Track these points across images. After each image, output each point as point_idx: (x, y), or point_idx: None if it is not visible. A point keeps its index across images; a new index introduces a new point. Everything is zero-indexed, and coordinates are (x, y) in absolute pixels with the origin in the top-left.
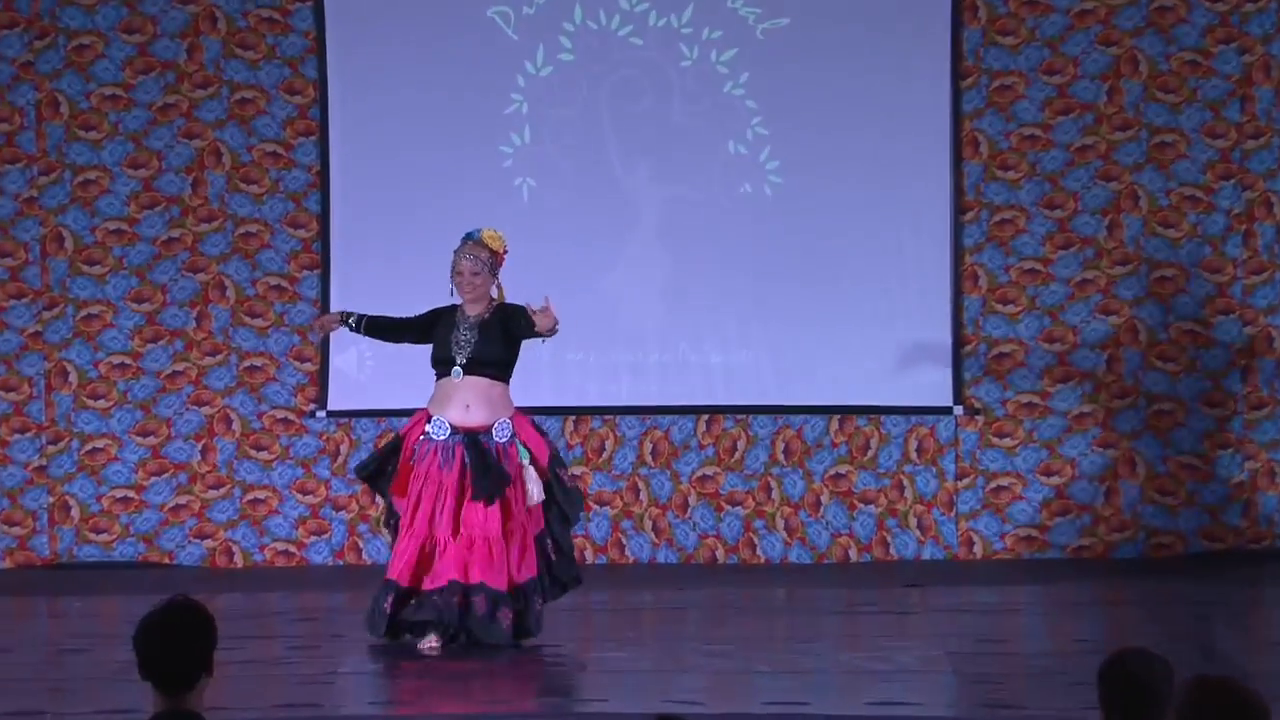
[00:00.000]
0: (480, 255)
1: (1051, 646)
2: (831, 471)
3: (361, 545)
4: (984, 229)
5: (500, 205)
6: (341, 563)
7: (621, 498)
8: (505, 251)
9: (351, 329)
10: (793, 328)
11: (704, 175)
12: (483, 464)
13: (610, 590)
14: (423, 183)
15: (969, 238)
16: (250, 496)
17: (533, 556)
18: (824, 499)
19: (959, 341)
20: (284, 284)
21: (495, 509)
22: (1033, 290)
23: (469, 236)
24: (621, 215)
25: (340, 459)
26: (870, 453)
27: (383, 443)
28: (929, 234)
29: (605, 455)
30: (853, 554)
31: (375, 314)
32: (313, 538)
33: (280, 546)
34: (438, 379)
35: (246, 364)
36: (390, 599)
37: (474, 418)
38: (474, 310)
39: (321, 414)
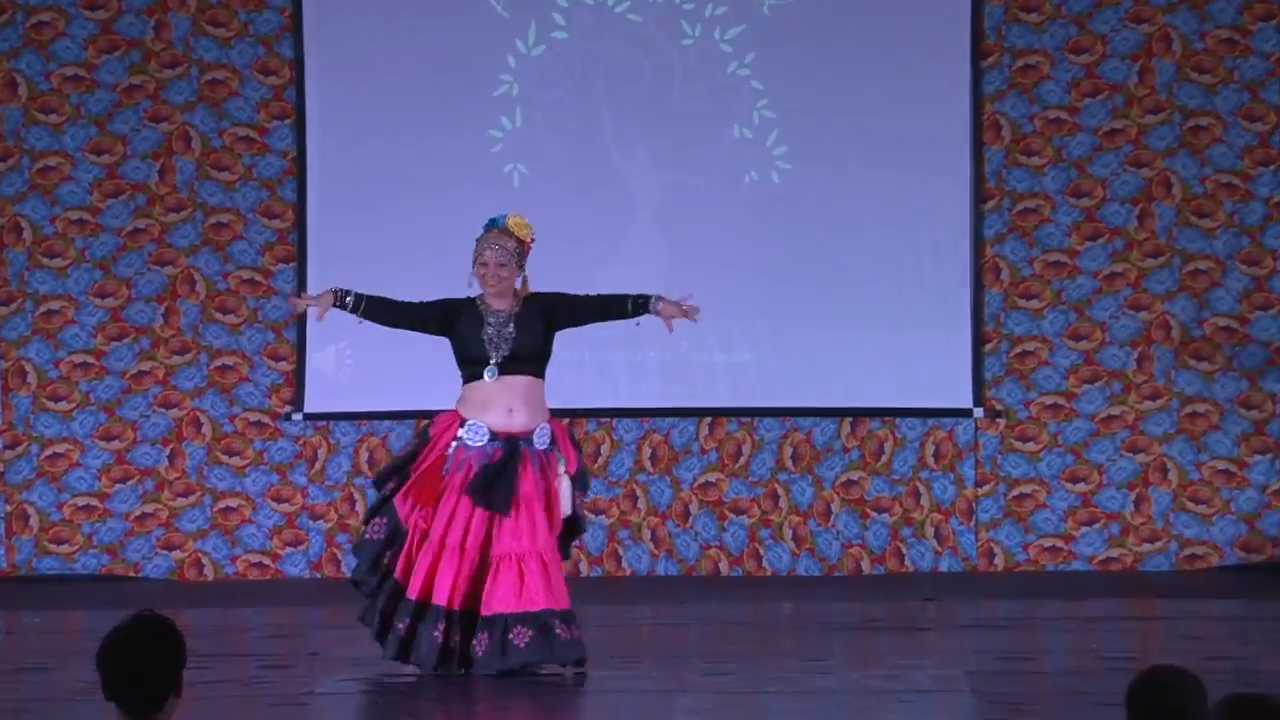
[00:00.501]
0: (506, 245)
1: (1077, 665)
2: (843, 478)
3: (340, 557)
4: (1006, 219)
5: (489, 193)
6: (319, 575)
7: (619, 505)
8: (533, 241)
9: (349, 310)
10: (801, 324)
11: (706, 162)
12: (500, 472)
13: (607, 605)
14: (406, 170)
15: (990, 228)
16: (221, 505)
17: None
18: (834, 507)
19: (979, 339)
20: (257, 278)
21: (543, 522)
22: (1058, 284)
23: (493, 223)
24: (618, 204)
25: (318, 465)
26: (884, 458)
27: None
28: (947, 224)
29: (601, 460)
30: (865, 566)
31: (377, 294)
32: (288, 549)
33: (253, 558)
34: (466, 381)
35: (217, 363)
36: (409, 619)
37: (517, 422)
38: (500, 305)
39: (298, 417)
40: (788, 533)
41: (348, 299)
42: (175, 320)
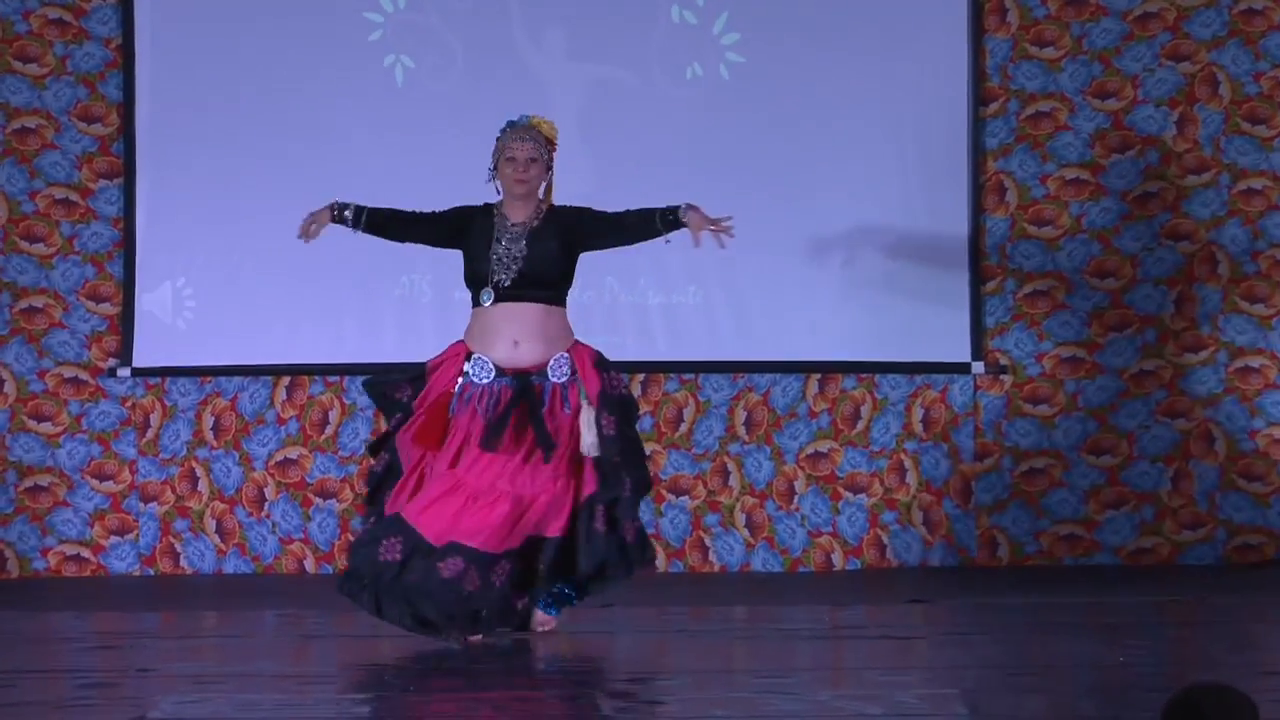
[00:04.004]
0: (538, 139)
1: (1100, 681)
2: (809, 449)
3: (179, 549)
4: (1012, 125)
5: (365, 91)
6: (152, 572)
7: None
8: (556, 145)
9: (348, 225)
10: (757, 258)
11: (639, 52)
12: (503, 416)
13: None
14: (260, 61)
15: (992, 137)
16: (29, 483)
17: (564, 520)
18: (799, 486)
19: (979, 276)
20: (73, 197)
21: (557, 464)
22: (1077, 207)
23: (513, 123)
24: (528, 104)
25: (150, 432)
26: (860, 424)
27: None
28: (939, 131)
29: None
30: (837, 559)
31: (378, 206)
32: (113, 538)
33: (69, 550)
34: (474, 305)
35: (23, 304)
36: (393, 540)
37: (524, 356)
38: (519, 215)
39: (125, 372)
40: (740, 518)
41: (345, 212)
42: None
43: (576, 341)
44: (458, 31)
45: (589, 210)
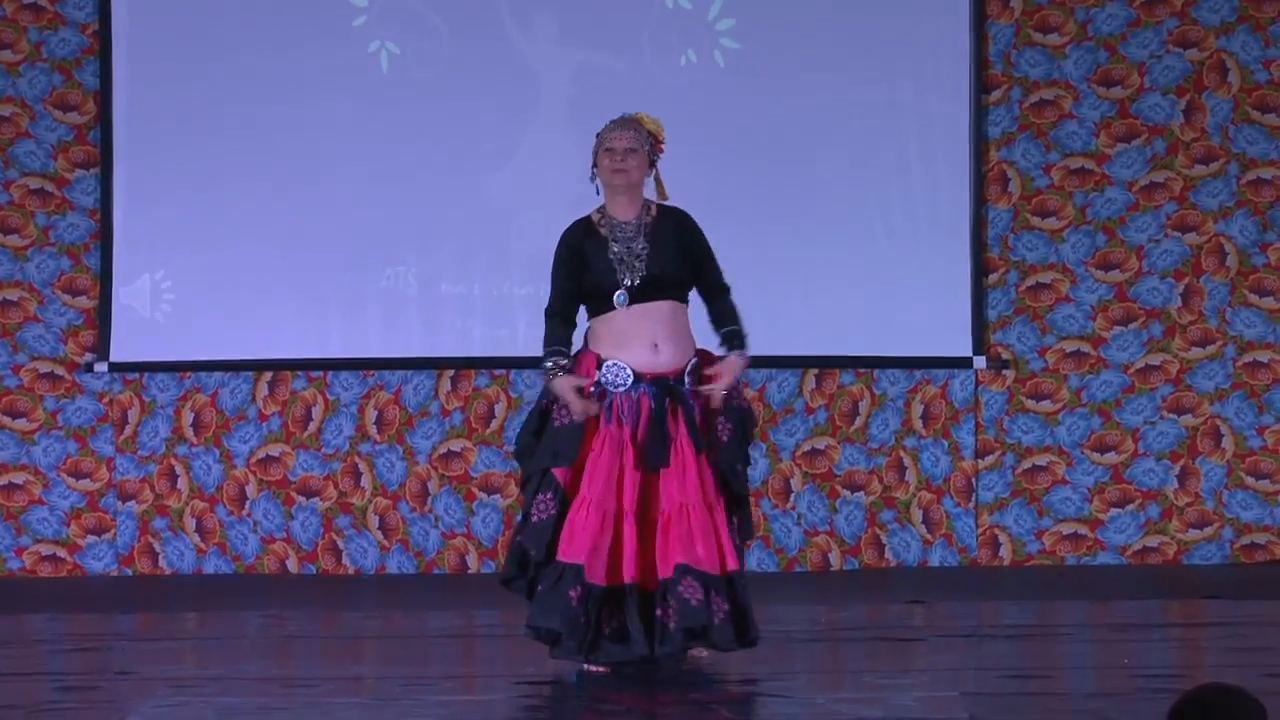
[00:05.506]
0: (638, 131)
1: (1104, 684)
2: (805, 446)
3: (158, 548)
4: (1015, 113)
5: (350, 78)
6: (129, 571)
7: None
8: (664, 143)
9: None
10: (752, 250)
11: (631, 38)
12: (661, 427)
13: (502, 610)
14: (241, 47)
15: (995, 125)
16: (3, 481)
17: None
18: (795, 484)
19: (981, 268)
20: (48, 187)
21: (694, 473)
22: (1081, 197)
23: (614, 119)
24: (518, 92)
25: (128, 429)
26: (859, 420)
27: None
28: (940, 119)
29: (495, 425)
30: (834, 559)
31: (558, 342)
32: (90, 538)
33: (45, 550)
34: (592, 314)
35: None
36: (578, 590)
37: (664, 359)
38: (626, 212)
39: (102, 367)
40: None
41: (563, 362)
42: None
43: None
44: (444, 16)
45: (707, 255)
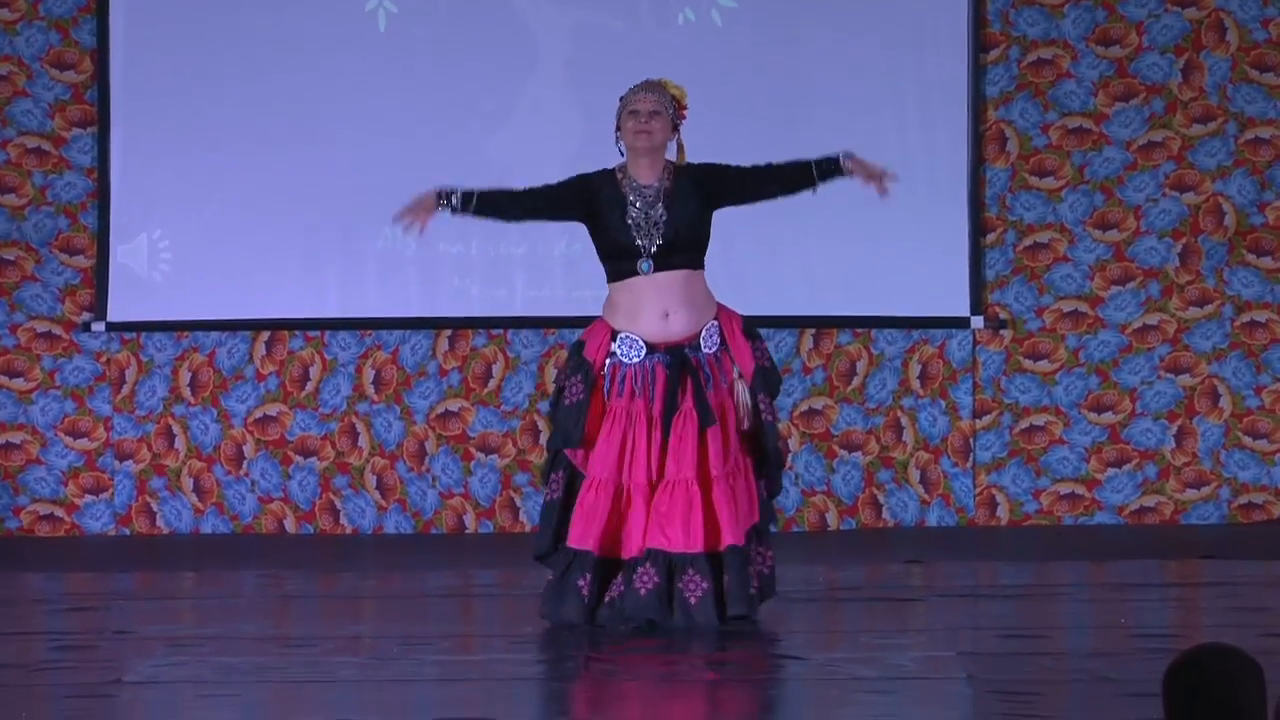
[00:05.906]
0: (662, 95)
1: (1101, 644)
2: (802, 406)
3: (156, 508)
4: (1013, 72)
5: (348, 38)
6: (127, 531)
7: (514, 441)
8: (687, 109)
9: (457, 211)
10: (749, 209)
11: None
12: (700, 394)
13: (499, 570)
14: (239, 6)
15: (993, 85)
16: (0, 440)
17: (755, 500)
18: (792, 444)
19: (978, 228)
20: (45, 146)
21: (691, 447)
22: (1079, 157)
23: (638, 84)
24: (515, 52)
25: (125, 388)
26: (855, 380)
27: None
28: (938, 79)
29: (492, 385)
30: (831, 519)
31: (488, 188)
32: (88, 497)
33: (42, 509)
34: (612, 279)
35: None
36: (587, 578)
37: (676, 327)
38: (648, 176)
39: (99, 327)
40: None
41: (452, 198)
42: None
43: (720, 306)
44: None
45: (724, 165)
